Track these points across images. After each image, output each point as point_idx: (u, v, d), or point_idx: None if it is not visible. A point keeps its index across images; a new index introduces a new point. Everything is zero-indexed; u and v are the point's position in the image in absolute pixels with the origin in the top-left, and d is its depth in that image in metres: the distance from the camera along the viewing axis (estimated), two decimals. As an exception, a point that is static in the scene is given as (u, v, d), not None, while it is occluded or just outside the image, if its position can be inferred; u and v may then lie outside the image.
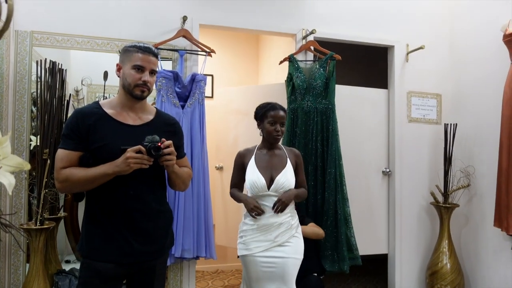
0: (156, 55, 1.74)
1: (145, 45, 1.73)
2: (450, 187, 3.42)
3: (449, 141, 3.44)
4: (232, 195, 2.39)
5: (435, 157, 3.63)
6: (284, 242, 2.19)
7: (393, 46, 3.60)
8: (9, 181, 0.92)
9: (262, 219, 2.20)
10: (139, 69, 1.69)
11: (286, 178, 2.21)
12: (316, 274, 2.80)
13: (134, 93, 1.70)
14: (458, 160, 3.46)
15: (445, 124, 3.50)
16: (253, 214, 2.19)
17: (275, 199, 2.21)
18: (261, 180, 2.20)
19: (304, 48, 3.29)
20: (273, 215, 2.20)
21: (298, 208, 2.51)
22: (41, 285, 2.46)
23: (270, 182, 2.22)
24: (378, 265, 4.25)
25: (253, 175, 2.24)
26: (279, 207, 2.18)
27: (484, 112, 3.31)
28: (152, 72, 1.73)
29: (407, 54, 3.60)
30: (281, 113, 2.27)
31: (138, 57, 1.69)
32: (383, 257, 3.68)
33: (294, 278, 2.21)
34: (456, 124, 3.46)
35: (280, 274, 2.17)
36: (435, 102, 3.69)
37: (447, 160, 3.43)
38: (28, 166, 1.00)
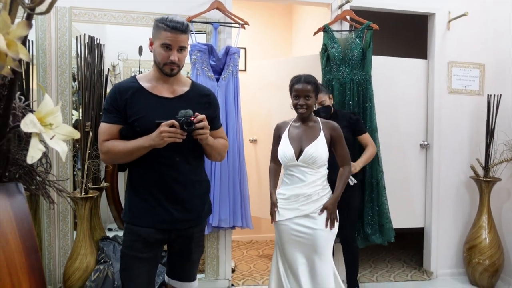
0: (184, 31, 1.69)
1: (174, 19, 1.68)
2: (491, 161, 3.31)
3: (492, 112, 3.29)
4: (269, 172, 2.48)
5: (476, 129, 3.50)
6: (312, 213, 2.20)
7: (433, 14, 3.43)
8: (62, 148, 0.97)
9: (292, 190, 2.23)
10: (167, 47, 1.68)
11: (316, 149, 2.20)
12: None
13: (164, 71, 1.72)
14: (502, 133, 3.32)
15: (488, 95, 3.35)
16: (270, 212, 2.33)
17: (304, 169, 2.21)
18: (290, 151, 2.22)
19: (339, 18, 3.20)
20: (302, 186, 2.21)
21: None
22: (88, 249, 2.62)
23: (299, 153, 2.22)
24: (414, 238, 4.22)
25: (283, 147, 2.27)
26: (330, 221, 2.21)
27: (531, 82, 3.14)
28: (182, 49, 1.72)
29: (449, 22, 3.43)
30: (306, 86, 2.21)
31: (165, 35, 1.67)
32: (419, 230, 3.64)
33: (328, 250, 2.21)
34: (500, 95, 3.30)
35: (311, 245, 2.19)
36: (478, 72, 3.53)
37: (489, 133, 3.30)
38: (78, 135, 1.05)
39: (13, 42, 0.82)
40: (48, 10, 0.90)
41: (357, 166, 2.76)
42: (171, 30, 1.66)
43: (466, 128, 3.52)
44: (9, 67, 0.85)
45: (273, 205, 2.31)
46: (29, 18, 0.92)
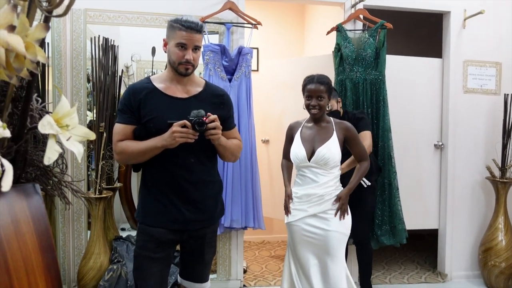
0: (199, 31, 1.71)
1: (189, 20, 1.70)
2: (508, 161, 3.25)
3: (509, 112, 3.24)
4: (282, 168, 2.48)
5: (492, 129, 3.44)
6: (322, 213, 2.17)
7: (449, 12, 3.38)
8: (78, 150, 0.98)
9: (304, 190, 2.22)
10: (182, 46, 1.69)
11: (328, 149, 2.17)
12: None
13: (179, 71, 1.73)
14: (519, 133, 3.26)
15: (505, 94, 3.29)
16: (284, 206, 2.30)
17: (316, 170, 2.19)
18: (302, 152, 2.21)
19: (353, 17, 3.18)
20: (314, 186, 2.20)
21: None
22: (101, 249, 2.65)
23: (311, 154, 2.21)
24: (428, 240, 4.17)
25: (295, 147, 2.26)
26: (340, 211, 2.18)
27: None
28: (196, 48, 1.73)
29: (464, 20, 3.38)
30: (319, 87, 2.19)
31: (181, 34, 1.68)
32: (434, 232, 3.60)
33: (340, 251, 2.19)
34: (518, 94, 3.25)
35: (324, 247, 2.16)
36: (494, 71, 3.46)
37: (506, 133, 3.24)
38: (93, 136, 1.06)
39: (31, 44, 0.83)
40: (65, 13, 0.91)
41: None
42: (186, 29, 1.68)
43: (482, 128, 3.46)
44: (27, 69, 0.86)
45: (288, 197, 2.29)
46: (46, 20, 0.93)
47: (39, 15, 0.95)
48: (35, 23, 0.90)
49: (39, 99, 1.11)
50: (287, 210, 2.28)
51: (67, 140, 0.95)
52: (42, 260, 0.93)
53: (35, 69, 0.87)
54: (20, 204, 0.94)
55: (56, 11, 0.94)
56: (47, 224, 0.97)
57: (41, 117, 0.98)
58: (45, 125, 0.89)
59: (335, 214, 2.17)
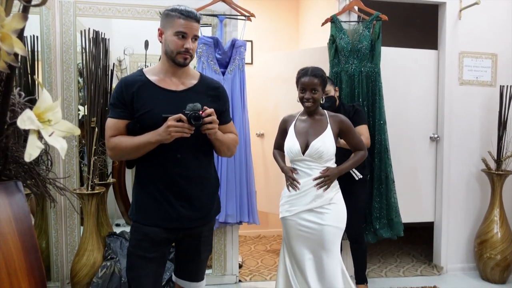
0: (198, 20, 1.68)
1: (187, 8, 1.66)
2: (504, 153, 3.24)
3: (505, 104, 3.22)
4: (274, 157, 2.46)
5: (488, 121, 3.42)
6: (317, 208, 2.15)
7: (444, 3, 3.35)
8: (61, 145, 0.94)
9: (301, 181, 2.19)
10: (183, 36, 1.65)
11: (323, 142, 2.15)
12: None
13: (176, 61, 1.67)
14: (515, 125, 3.25)
15: (500, 86, 3.26)
16: (287, 184, 2.23)
17: (310, 163, 2.17)
18: (296, 146, 2.18)
19: (347, 9, 3.14)
20: (309, 179, 2.17)
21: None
22: (95, 245, 2.61)
23: (306, 147, 2.18)
24: (424, 232, 4.17)
25: (290, 141, 2.23)
26: (321, 183, 2.15)
27: (546, 72, 3.05)
28: (195, 38, 1.69)
29: (460, 11, 3.34)
30: (313, 79, 2.16)
31: (180, 23, 1.63)
32: (429, 225, 3.59)
33: (335, 246, 2.17)
34: (513, 86, 3.23)
35: (319, 241, 2.14)
36: (490, 63, 3.44)
37: (502, 125, 3.22)
38: (78, 131, 1.02)
39: (8, 35, 0.79)
40: (43, 2, 0.87)
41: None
42: (185, 18, 1.63)
43: (477, 120, 3.44)
44: (5, 61, 0.82)
45: (291, 171, 2.23)
46: (25, 10, 0.88)
47: (16, 8, 0.90)
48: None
49: (22, 93, 1.07)
50: (295, 182, 2.20)
51: (50, 135, 0.91)
52: (25, 261, 0.90)
53: (13, 62, 0.83)
54: (1, 202, 0.91)
55: (36, 1, 0.90)
56: (30, 224, 0.94)
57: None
58: (25, 120, 0.86)
59: (316, 184, 2.14)
